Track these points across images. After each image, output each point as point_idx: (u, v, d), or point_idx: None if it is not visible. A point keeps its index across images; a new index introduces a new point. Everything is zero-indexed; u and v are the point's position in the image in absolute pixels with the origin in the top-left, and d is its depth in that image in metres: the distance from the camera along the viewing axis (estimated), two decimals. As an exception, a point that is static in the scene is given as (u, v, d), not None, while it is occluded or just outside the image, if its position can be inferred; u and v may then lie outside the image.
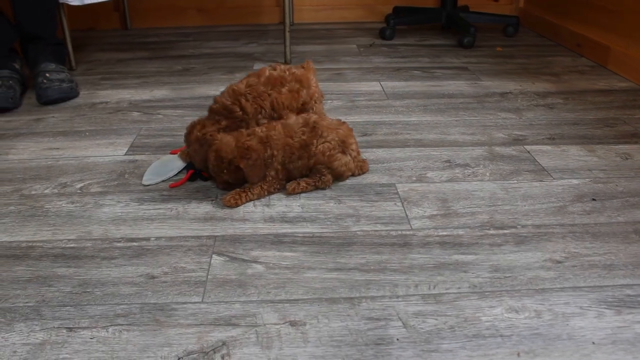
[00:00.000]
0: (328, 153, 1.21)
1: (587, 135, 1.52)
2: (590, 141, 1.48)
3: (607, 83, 1.96)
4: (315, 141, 1.21)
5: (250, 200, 1.21)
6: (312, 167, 1.23)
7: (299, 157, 1.21)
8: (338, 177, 1.26)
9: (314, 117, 1.25)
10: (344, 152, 1.24)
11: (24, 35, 1.93)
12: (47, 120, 1.68)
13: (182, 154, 1.34)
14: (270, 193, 1.23)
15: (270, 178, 1.21)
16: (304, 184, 1.23)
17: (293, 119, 1.25)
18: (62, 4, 2.07)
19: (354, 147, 1.27)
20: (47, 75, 1.83)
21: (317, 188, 1.24)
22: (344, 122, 1.29)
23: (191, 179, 1.30)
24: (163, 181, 1.29)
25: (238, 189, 1.20)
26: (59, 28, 2.03)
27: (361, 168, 1.31)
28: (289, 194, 1.22)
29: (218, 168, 1.19)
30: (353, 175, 1.30)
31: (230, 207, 1.19)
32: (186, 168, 1.32)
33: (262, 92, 1.30)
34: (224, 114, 1.29)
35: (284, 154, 1.21)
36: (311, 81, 1.37)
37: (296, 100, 1.33)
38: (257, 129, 1.22)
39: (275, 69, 1.35)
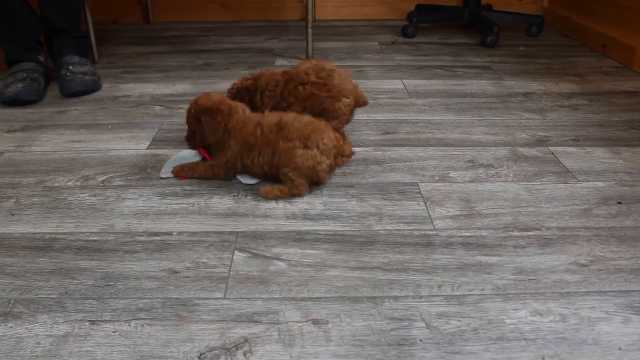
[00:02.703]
0: (290, 152, 1.17)
1: (612, 137, 1.50)
2: (615, 143, 1.46)
3: (632, 84, 1.93)
4: (280, 142, 1.18)
5: (192, 175, 1.28)
6: (278, 166, 1.19)
7: (260, 153, 1.19)
8: (310, 174, 1.19)
9: (290, 117, 1.22)
10: (306, 147, 1.17)
11: (49, 28, 1.94)
12: (70, 113, 1.69)
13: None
14: (214, 173, 1.26)
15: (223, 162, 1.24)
16: (278, 192, 1.19)
17: (269, 118, 1.22)
18: (86, -3, 2.08)
19: (325, 140, 1.19)
20: (71, 67, 1.84)
21: (293, 196, 1.20)
22: (321, 121, 1.24)
23: None
24: None
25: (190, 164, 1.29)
26: (82, 21, 2.04)
27: (341, 154, 1.23)
28: (262, 196, 1.20)
29: (188, 112, 1.25)
30: (337, 165, 1.24)
31: (176, 176, 1.29)
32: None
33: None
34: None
35: (241, 149, 1.21)
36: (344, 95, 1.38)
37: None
38: (242, 115, 1.24)
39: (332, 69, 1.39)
